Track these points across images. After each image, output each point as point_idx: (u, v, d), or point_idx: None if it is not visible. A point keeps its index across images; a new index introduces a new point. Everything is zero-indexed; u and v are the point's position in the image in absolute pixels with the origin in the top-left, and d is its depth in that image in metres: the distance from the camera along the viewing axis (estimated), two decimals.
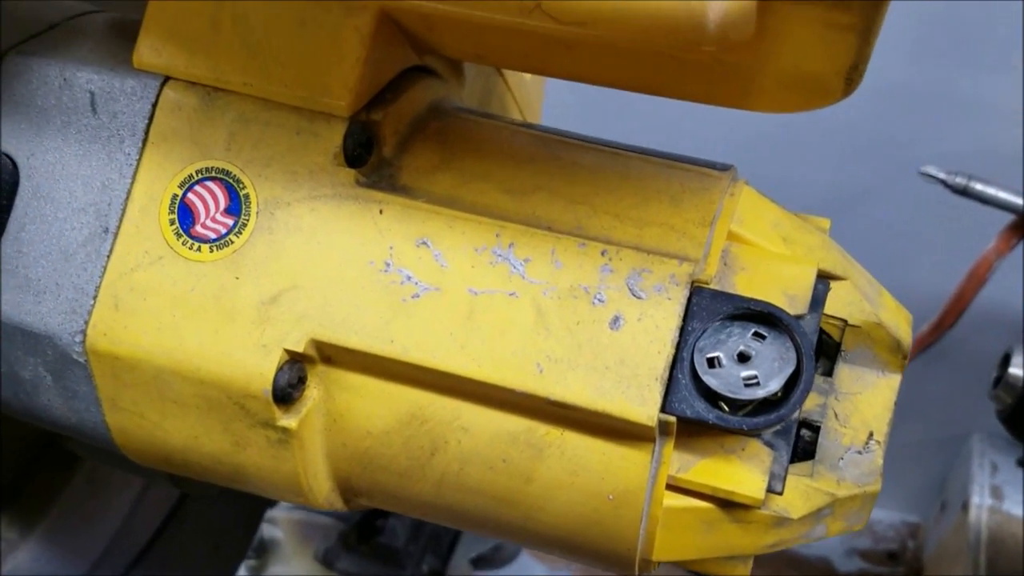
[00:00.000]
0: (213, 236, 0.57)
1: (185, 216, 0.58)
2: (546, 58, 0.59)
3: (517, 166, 0.59)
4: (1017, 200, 1.24)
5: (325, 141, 0.57)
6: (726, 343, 0.53)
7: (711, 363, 0.53)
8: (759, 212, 0.58)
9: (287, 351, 0.56)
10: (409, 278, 0.56)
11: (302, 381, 0.57)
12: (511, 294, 0.55)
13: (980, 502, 1.46)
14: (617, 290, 0.54)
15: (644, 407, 0.52)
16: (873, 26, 0.48)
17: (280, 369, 0.56)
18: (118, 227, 0.58)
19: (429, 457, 0.57)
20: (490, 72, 0.75)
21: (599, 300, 0.54)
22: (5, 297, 0.59)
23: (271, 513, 1.47)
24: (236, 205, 0.57)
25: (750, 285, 0.55)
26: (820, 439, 0.56)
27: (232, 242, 0.57)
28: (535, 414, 0.54)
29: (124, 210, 0.58)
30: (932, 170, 1.28)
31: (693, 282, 0.54)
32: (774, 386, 0.52)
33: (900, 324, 0.58)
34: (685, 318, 0.53)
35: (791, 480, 0.55)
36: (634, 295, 0.54)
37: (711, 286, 0.54)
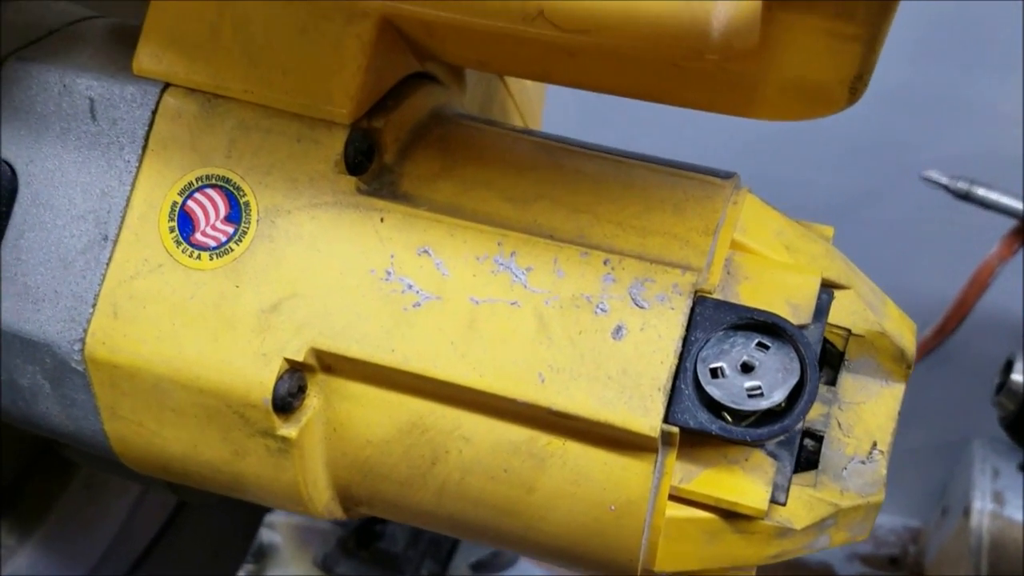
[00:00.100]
0: (213, 244, 0.57)
1: (185, 224, 0.57)
2: (548, 65, 0.58)
3: (519, 174, 0.59)
4: (1019, 205, 1.24)
5: (326, 148, 0.57)
6: (729, 353, 0.53)
7: (714, 373, 0.52)
8: (762, 220, 0.58)
9: (287, 360, 0.55)
10: (410, 287, 0.55)
11: (302, 390, 0.56)
12: (513, 303, 0.54)
13: (982, 507, 1.46)
14: (620, 299, 0.54)
15: (647, 417, 0.52)
16: (878, 36, 0.47)
17: (280, 378, 0.55)
18: (117, 235, 0.58)
19: (430, 466, 0.56)
20: (491, 78, 0.75)
21: (601, 309, 0.54)
22: (4, 305, 0.59)
23: (270, 518, 1.47)
24: (236, 213, 0.57)
25: (753, 294, 0.55)
26: (823, 449, 0.56)
27: (232, 250, 0.57)
28: (537, 424, 0.54)
29: (123, 218, 0.58)
30: (934, 175, 1.28)
31: (696, 292, 0.53)
32: (778, 397, 0.52)
33: (904, 333, 0.57)
34: (688, 328, 0.53)
35: (794, 490, 0.54)
36: (637, 305, 0.53)
37: (714, 296, 0.54)
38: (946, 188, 1.26)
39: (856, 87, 0.51)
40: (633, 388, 0.52)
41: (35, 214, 0.59)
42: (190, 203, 0.57)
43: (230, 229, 0.57)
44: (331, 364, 0.56)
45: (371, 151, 0.58)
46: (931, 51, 1.37)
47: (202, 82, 0.58)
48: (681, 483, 0.53)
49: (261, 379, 0.55)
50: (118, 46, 0.61)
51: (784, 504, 0.54)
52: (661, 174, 0.59)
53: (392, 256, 0.56)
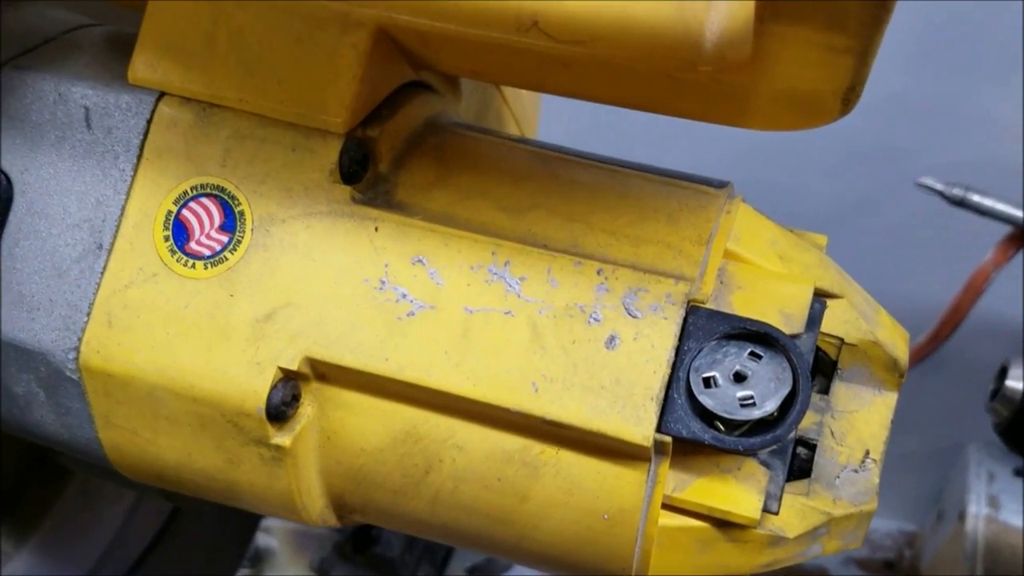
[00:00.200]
0: (208, 253, 0.57)
1: (180, 233, 0.57)
2: (543, 75, 0.58)
3: (514, 183, 0.59)
4: (1014, 211, 1.24)
5: (321, 158, 0.57)
6: (722, 363, 0.53)
7: (707, 383, 0.52)
8: (755, 230, 0.58)
9: (281, 369, 0.55)
10: (404, 296, 0.55)
11: (296, 399, 0.56)
12: (507, 312, 0.54)
13: (977, 511, 1.46)
14: (613, 309, 0.54)
15: (639, 427, 0.52)
16: (870, 48, 0.48)
17: (274, 387, 0.55)
18: (112, 243, 0.58)
19: (424, 475, 0.56)
20: (487, 86, 0.75)
21: (595, 319, 0.54)
22: None
23: (266, 522, 1.46)
24: (231, 222, 0.57)
25: (746, 304, 0.55)
26: (816, 457, 0.56)
27: (227, 259, 0.57)
28: (530, 433, 0.54)
29: (118, 226, 0.58)
30: (929, 181, 1.28)
31: (689, 301, 0.54)
32: (770, 407, 0.52)
33: (897, 342, 0.58)
34: (681, 338, 0.53)
35: (787, 499, 0.54)
36: (630, 314, 0.54)
37: (707, 305, 0.54)
38: (941, 194, 1.26)
39: (849, 98, 0.51)
40: (626, 397, 0.52)
41: (30, 223, 0.59)
42: (185, 212, 0.57)
43: (225, 238, 0.57)
44: (325, 373, 0.56)
45: (366, 160, 0.58)
46: (926, 58, 1.37)
47: (197, 91, 0.58)
48: (674, 492, 0.53)
49: (255, 388, 0.55)
50: (114, 55, 0.62)
51: (777, 513, 0.54)
52: (655, 183, 0.59)
53: (386, 265, 0.56)
